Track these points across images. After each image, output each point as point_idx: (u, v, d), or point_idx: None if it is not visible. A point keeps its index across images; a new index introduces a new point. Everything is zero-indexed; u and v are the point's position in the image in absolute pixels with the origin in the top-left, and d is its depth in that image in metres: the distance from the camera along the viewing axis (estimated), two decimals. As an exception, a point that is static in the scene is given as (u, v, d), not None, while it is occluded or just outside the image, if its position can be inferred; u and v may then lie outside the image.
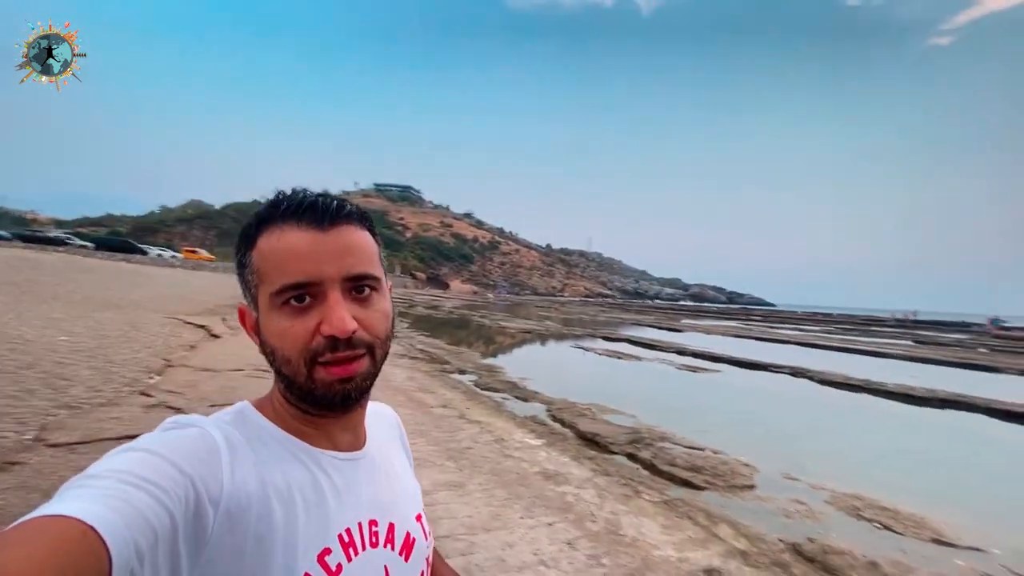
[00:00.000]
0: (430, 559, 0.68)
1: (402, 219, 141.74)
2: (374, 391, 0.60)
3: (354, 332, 0.54)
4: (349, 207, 0.59)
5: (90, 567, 0.36)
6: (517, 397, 7.78)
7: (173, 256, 44.75)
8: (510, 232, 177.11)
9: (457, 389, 7.82)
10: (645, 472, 4.98)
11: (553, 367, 12.76)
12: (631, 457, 5.35)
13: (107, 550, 0.37)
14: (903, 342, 25.54)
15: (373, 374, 0.57)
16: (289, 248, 0.54)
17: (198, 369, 7.01)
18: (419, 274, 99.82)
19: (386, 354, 0.59)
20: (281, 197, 0.58)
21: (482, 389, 8.10)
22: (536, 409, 7.24)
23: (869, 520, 4.13)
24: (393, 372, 8.72)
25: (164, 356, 7.77)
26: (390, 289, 0.64)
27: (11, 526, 0.37)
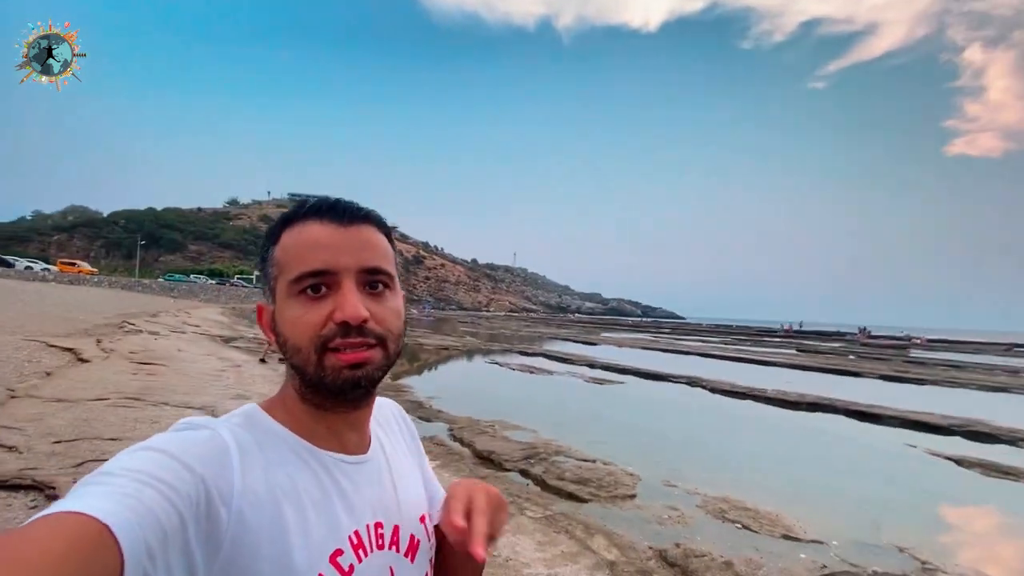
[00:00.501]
0: (433, 560, 0.68)
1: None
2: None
3: (365, 321, 0.55)
4: (369, 211, 0.62)
5: (103, 564, 0.37)
6: (421, 418, 7.63)
7: (46, 269, 39.53)
8: (435, 247, 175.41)
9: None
10: (535, 488, 5.06)
11: (465, 384, 12.69)
12: (523, 473, 5.42)
13: (120, 548, 0.37)
14: (788, 351, 28.26)
15: (385, 367, 0.58)
16: (310, 239, 0.57)
17: (49, 400, 6.16)
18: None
19: (399, 352, 0.60)
20: (305, 200, 0.62)
21: (384, 410, 7.85)
22: (438, 429, 7.14)
23: (732, 521, 4.46)
24: (288, 395, 8.24)
25: (9, 385, 6.77)
26: (404, 298, 0.66)
27: (29, 520, 0.38)
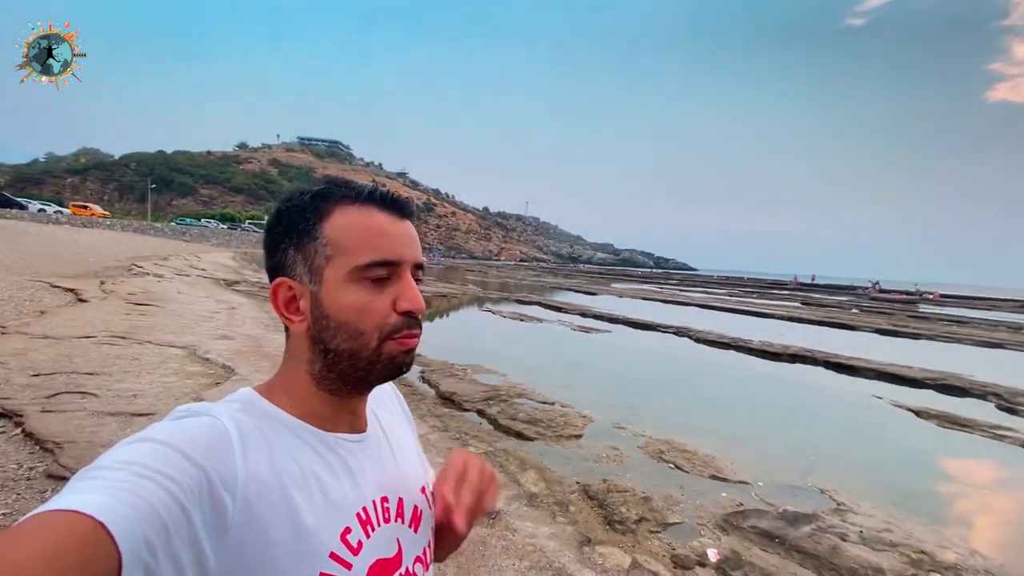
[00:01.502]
0: (434, 528, 0.70)
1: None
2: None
3: (423, 311, 0.60)
4: (414, 205, 0.64)
5: (99, 563, 0.36)
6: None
7: (59, 212, 40.13)
8: (446, 194, 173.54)
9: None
10: (487, 426, 5.30)
11: (452, 330, 12.98)
12: (480, 413, 5.66)
13: (116, 546, 0.37)
14: (792, 304, 28.11)
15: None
16: (380, 227, 0.58)
17: (35, 336, 6.50)
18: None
19: None
20: (349, 182, 0.62)
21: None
22: (411, 372, 7.39)
23: (667, 462, 4.67)
24: (272, 338, 8.52)
25: (3, 322, 7.13)
26: None
27: (21, 520, 0.37)
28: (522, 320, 14.50)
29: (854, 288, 53.04)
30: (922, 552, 3.38)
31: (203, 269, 22.55)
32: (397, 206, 0.60)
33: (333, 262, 0.56)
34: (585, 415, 5.82)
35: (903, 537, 3.58)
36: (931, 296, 44.08)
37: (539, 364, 8.75)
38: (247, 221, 76.34)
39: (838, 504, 4.05)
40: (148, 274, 16.65)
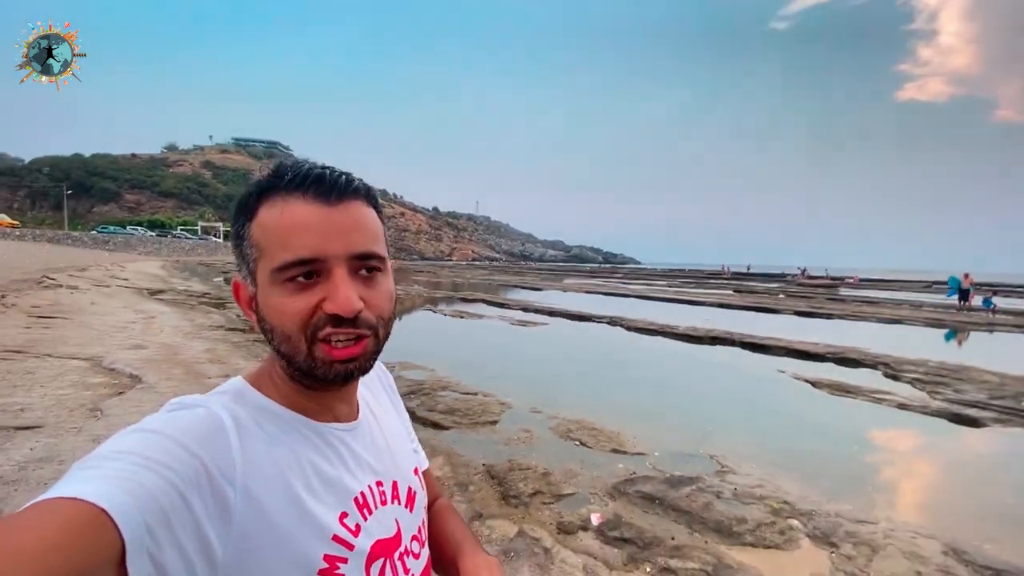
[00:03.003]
0: (426, 507, 0.72)
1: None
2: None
3: (359, 312, 0.53)
4: (357, 182, 0.57)
5: (102, 549, 0.36)
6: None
7: (-43, 223, 36.53)
8: (395, 195, 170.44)
9: (258, 358, 7.63)
10: (405, 420, 5.39)
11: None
12: (399, 408, 5.73)
13: (119, 531, 0.37)
14: (725, 292, 29.66)
15: (376, 353, 0.58)
16: (294, 222, 0.52)
17: (-87, 355, 6.01)
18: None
19: (388, 335, 0.59)
20: (284, 166, 0.55)
21: (287, 355, 7.99)
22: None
23: (574, 440, 4.93)
24: (191, 345, 8.22)
25: None
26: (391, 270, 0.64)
27: (22, 508, 0.37)
28: (462, 317, 14.60)
29: (784, 275, 56.43)
30: (784, 502, 3.78)
31: (125, 279, 21.23)
32: (324, 189, 0.53)
33: (259, 264, 0.54)
34: (505, 402, 6.01)
35: (772, 491, 3.97)
36: (851, 280, 47.59)
37: (470, 358, 8.89)
38: (179, 227, 72.13)
39: (723, 467, 4.43)
40: (61, 286, 15.52)
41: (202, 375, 6.32)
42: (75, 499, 0.37)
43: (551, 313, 15.66)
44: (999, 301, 22.73)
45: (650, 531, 3.28)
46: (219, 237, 75.48)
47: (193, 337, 8.97)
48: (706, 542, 3.22)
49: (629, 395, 6.97)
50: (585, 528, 3.31)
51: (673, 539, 3.22)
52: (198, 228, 75.92)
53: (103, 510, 0.37)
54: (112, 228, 57.43)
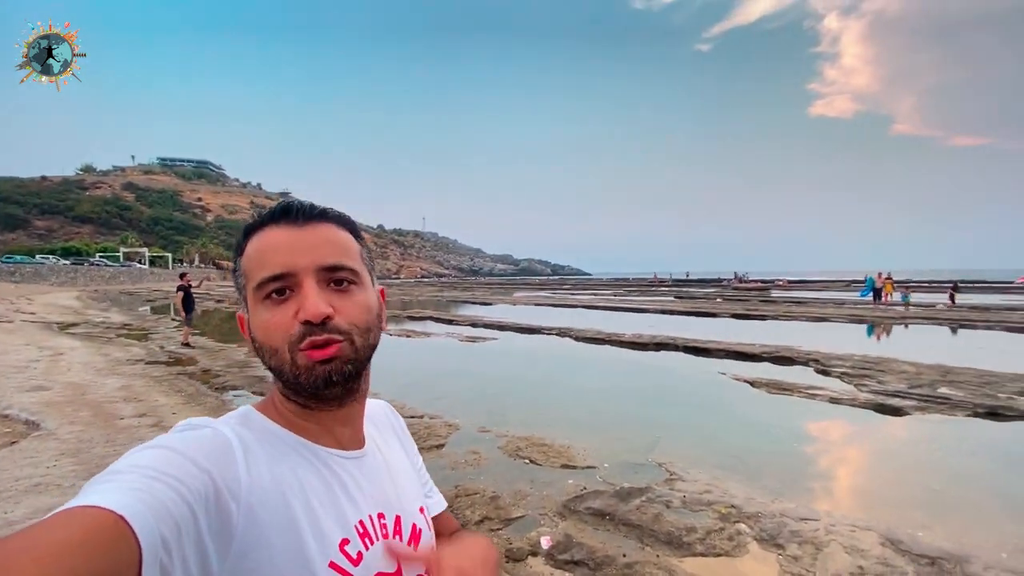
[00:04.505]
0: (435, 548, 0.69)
1: (199, 199, 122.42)
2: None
3: (329, 318, 0.55)
4: (328, 210, 0.62)
5: (121, 555, 0.37)
6: (255, 392, 7.29)
7: None
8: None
9: (181, 393, 7.01)
10: (345, 450, 5.06)
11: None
12: (339, 437, 5.39)
13: (136, 539, 0.38)
14: (667, 298, 30.70)
15: (355, 360, 0.58)
16: (268, 244, 0.58)
17: None
18: (225, 263, 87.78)
19: (370, 346, 0.60)
20: (262, 214, 0.61)
21: (215, 389, 7.40)
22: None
23: (523, 458, 4.78)
24: (103, 382, 7.45)
25: None
26: (382, 294, 0.67)
27: (46, 516, 0.38)
28: (409, 336, 14.20)
29: (721, 280, 59.31)
30: (732, 507, 3.79)
31: (33, 313, 19.28)
32: (292, 215, 0.59)
33: (247, 289, 0.59)
34: (452, 423, 5.79)
35: (720, 496, 3.98)
36: (781, 283, 50.67)
37: (416, 379, 8.59)
38: (97, 254, 66.73)
39: (671, 474, 4.41)
40: (-51, 324, 13.83)
41: (113, 416, 5.71)
42: (97, 507, 0.38)
43: (500, 327, 15.54)
44: (914, 296, 24.88)
45: (601, 550, 3.18)
46: (144, 263, 70.37)
47: (107, 374, 8.15)
48: (657, 556, 3.15)
49: (578, 407, 6.92)
50: (535, 553, 3.16)
51: (625, 556, 3.12)
52: (120, 254, 70.43)
53: (123, 518, 0.38)
54: (19, 258, 52.21)
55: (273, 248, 0.57)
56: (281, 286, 0.56)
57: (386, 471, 0.67)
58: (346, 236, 0.62)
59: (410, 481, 0.72)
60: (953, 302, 23.30)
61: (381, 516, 0.61)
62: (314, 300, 0.55)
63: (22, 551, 0.34)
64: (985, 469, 4.79)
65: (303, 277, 0.56)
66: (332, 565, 0.53)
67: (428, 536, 0.69)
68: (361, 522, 0.58)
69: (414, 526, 0.66)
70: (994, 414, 6.26)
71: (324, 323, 0.55)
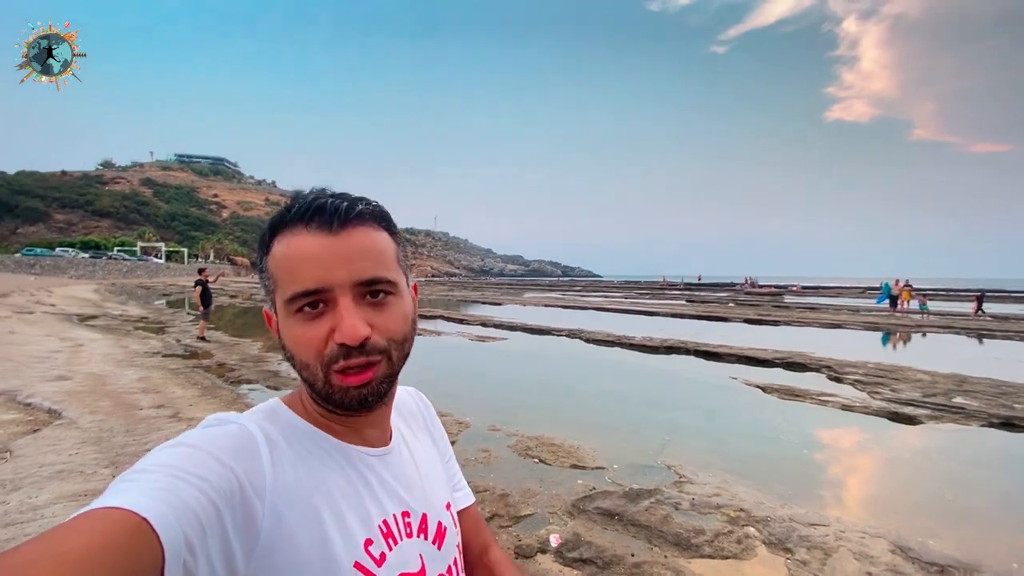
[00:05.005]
0: (460, 546, 0.69)
1: (215, 196, 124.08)
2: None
3: (367, 339, 0.54)
4: (362, 207, 0.58)
5: (144, 557, 0.37)
6: (269, 387, 7.41)
7: None
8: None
9: (197, 386, 7.15)
10: (357, 445, 5.14)
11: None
12: (351, 432, 5.47)
13: (159, 541, 0.38)
14: (679, 302, 30.53)
15: (390, 376, 0.58)
16: (297, 254, 0.54)
17: None
18: (240, 259, 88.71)
19: (405, 355, 0.60)
20: (295, 200, 0.58)
21: (230, 382, 7.53)
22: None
23: (533, 457, 4.82)
24: (122, 373, 7.63)
25: None
26: (415, 289, 0.66)
27: (70, 518, 0.38)
28: (420, 335, 14.24)
29: (733, 285, 58.80)
30: (741, 510, 3.80)
31: (52, 305, 19.71)
32: (326, 218, 0.55)
33: (276, 295, 0.57)
34: (462, 421, 5.85)
35: (728, 499, 3.99)
36: (795, 288, 50.15)
37: (427, 377, 8.67)
38: (116, 248, 67.91)
39: (680, 477, 4.43)
40: (-27, 314, 14.21)
41: (133, 406, 5.85)
42: (120, 508, 0.38)
43: (511, 328, 15.59)
44: (932, 305, 24.48)
45: (610, 549, 3.21)
46: (160, 258, 71.48)
47: (126, 365, 8.34)
48: (665, 556, 3.18)
49: (588, 408, 6.94)
50: (544, 550, 3.20)
51: (633, 555, 3.15)
52: (137, 249, 71.61)
53: (145, 520, 0.38)
54: (39, 250, 53.36)
55: (305, 258, 0.54)
56: (315, 300, 0.54)
57: (413, 467, 0.66)
58: (383, 239, 0.59)
59: (437, 476, 0.71)
60: (979, 312, 22.85)
61: (406, 515, 0.61)
62: (352, 323, 0.53)
63: (41, 558, 0.33)
64: (998, 479, 4.74)
65: (338, 293, 0.54)
66: (357, 565, 0.53)
67: (453, 534, 0.68)
68: (385, 522, 0.58)
69: (439, 524, 0.65)
70: (1009, 424, 6.18)
71: (362, 345, 0.54)
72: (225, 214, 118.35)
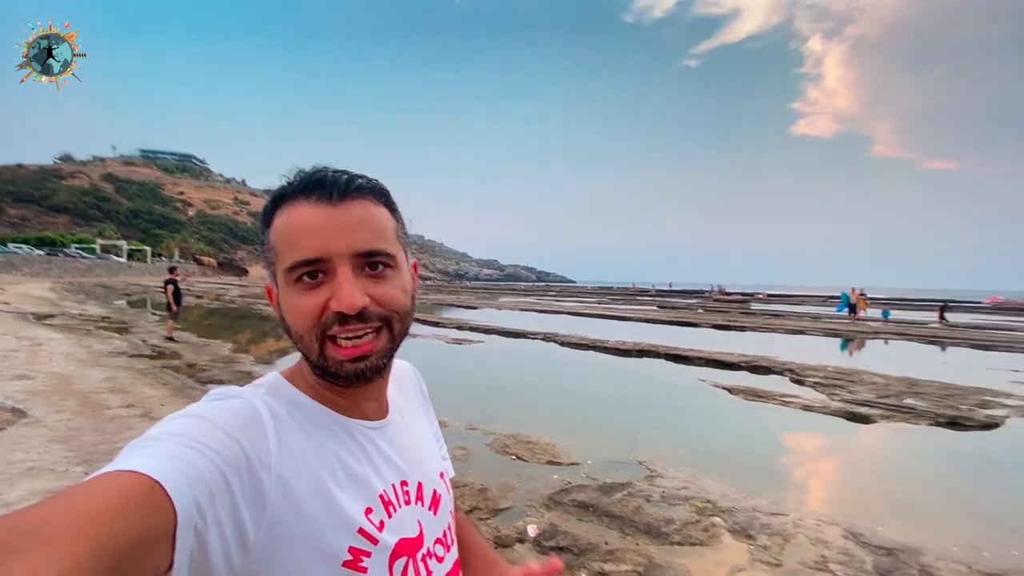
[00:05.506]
0: (453, 511, 0.73)
1: (181, 193, 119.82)
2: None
3: (364, 308, 0.54)
4: (362, 181, 0.59)
5: (158, 519, 0.38)
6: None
7: None
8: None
9: (167, 386, 7.01)
10: (335, 443, 5.16)
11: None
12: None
13: (172, 504, 0.39)
14: (650, 308, 31.16)
15: (390, 350, 0.59)
16: (298, 224, 0.55)
17: None
18: (207, 259, 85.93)
19: (405, 329, 0.60)
20: (294, 180, 0.58)
21: (202, 383, 7.41)
22: (259, 396, 6.90)
23: (510, 454, 4.95)
24: (87, 373, 7.41)
25: None
26: (415, 267, 0.66)
27: (84, 480, 0.39)
28: (395, 337, 14.25)
29: (702, 292, 60.30)
30: (708, 501, 4.00)
31: (7, 303, 18.81)
32: (325, 190, 0.56)
33: (276, 267, 0.58)
34: (440, 421, 5.90)
35: (696, 492, 4.20)
36: (761, 296, 51.74)
37: (404, 378, 8.68)
38: (73, 245, 65.05)
39: (651, 471, 4.62)
40: (-80, 312, 13.47)
41: (101, 406, 5.72)
42: (134, 472, 0.39)
43: (487, 331, 15.68)
44: (896, 314, 25.69)
45: (584, 538, 3.36)
46: (122, 256, 68.74)
47: (90, 365, 8.09)
48: (637, 544, 3.34)
49: (564, 408, 7.11)
50: (522, 540, 3.32)
51: (606, 544, 3.31)
52: (96, 246, 68.72)
53: (159, 483, 0.39)
54: (-11, 246, 50.67)
55: (305, 229, 0.55)
56: (314, 270, 0.55)
57: (408, 438, 0.68)
58: (382, 213, 0.60)
59: (430, 446, 0.75)
60: (942, 320, 24.15)
61: (404, 484, 0.63)
62: (349, 291, 0.54)
63: (61, 513, 0.35)
64: (942, 474, 5.10)
65: (337, 263, 0.55)
66: (360, 531, 0.55)
67: (447, 500, 0.71)
68: (384, 491, 0.59)
69: (434, 492, 0.68)
70: (954, 424, 6.62)
71: (359, 313, 0.55)
72: (191, 212, 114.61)
